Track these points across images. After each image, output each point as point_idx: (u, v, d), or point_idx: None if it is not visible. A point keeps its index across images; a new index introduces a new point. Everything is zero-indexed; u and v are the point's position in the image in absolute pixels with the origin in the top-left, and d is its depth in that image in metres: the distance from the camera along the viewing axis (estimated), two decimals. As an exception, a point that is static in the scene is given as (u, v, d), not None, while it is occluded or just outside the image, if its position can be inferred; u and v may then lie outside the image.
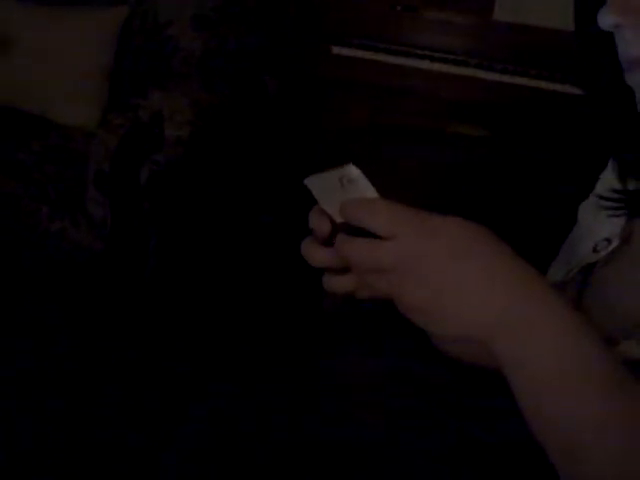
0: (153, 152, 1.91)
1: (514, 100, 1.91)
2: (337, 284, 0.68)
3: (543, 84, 1.90)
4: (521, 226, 1.76)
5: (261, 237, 2.14)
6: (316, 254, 0.67)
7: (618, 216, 0.80)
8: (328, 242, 0.67)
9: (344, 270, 0.67)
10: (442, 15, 2.09)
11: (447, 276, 0.61)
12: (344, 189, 0.67)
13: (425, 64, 2.06)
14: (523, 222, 1.82)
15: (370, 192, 0.66)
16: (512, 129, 1.98)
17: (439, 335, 0.63)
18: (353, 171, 0.67)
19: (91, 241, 1.88)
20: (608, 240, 0.81)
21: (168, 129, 1.92)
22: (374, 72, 2.08)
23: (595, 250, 0.82)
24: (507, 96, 1.96)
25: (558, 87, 1.90)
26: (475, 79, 2.02)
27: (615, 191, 0.82)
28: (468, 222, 0.63)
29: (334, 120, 2.04)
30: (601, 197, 0.84)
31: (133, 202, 1.92)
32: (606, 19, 0.69)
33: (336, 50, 2.10)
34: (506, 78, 1.99)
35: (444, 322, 0.62)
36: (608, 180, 0.86)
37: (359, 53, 2.09)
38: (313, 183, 0.68)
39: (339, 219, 0.66)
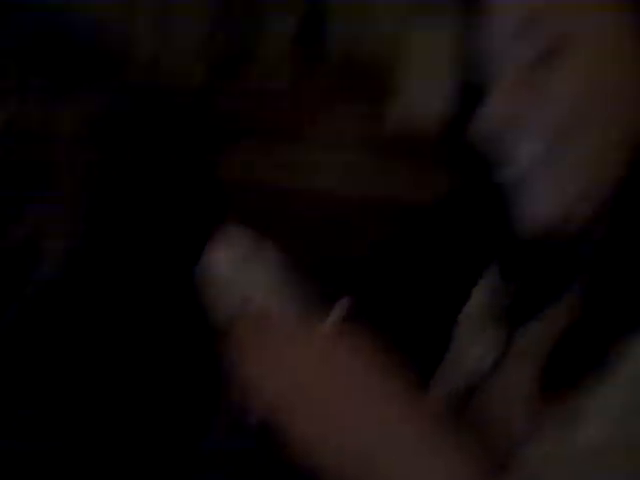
0: (33, 269, 1.82)
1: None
2: None
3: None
4: (408, 346, 1.76)
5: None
6: None
7: (495, 329, 0.81)
8: None
9: None
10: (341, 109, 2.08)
11: (336, 398, 0.65)
12: (247, 270, 0.69)
13: (332, 157, 2.03)
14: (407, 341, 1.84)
15: (277, 274, 0.70)
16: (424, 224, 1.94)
17: None
18: (261, 255, 0.71)
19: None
20: (485, 357, 0.81)
21: (48, 243, 1.84)
22: (278, 170, 2.05)
23: (474, 366, 0.82)
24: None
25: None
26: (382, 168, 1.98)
27: (489, 304, 0.83)
28: (364, 338, 0.66)
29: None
30: (472, 315, 0.86)
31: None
32: (487, 120, 0.70)
33: (235, 147, 2.04)
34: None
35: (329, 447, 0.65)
36: (482, 294, 0.87)
37: (261, 148, 2.06)
38: (209, 271, 0.70)
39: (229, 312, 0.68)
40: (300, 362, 0.65)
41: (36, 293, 1.78)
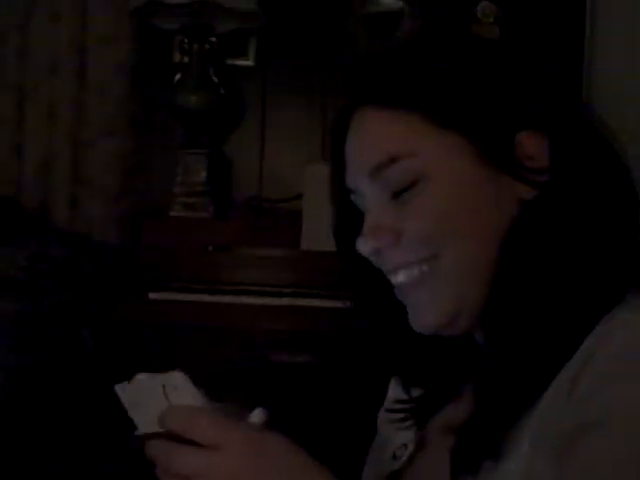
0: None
1: (331, 322, 1.98)
2: None
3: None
4: (333, 440, 1.79)
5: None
6: None
7: (407, 428, 0.87)
8: None
9: None
10: (254, 251, 2.20)
11: None
12: (166, 397, 0.66)
13: (242, 299, 2.12)
14: (334, 436, 1.86)
15: (196, 400, 0.66)
16: (333, 351, 2.02)
17: None
18: (179, 378, 0.66)
19: None
20: (405, 446, 0.86)
21: (-23, 398, 1.83)
22: (193, 313, 2.12)
23: (395, 457, 0.86)
24: (324, 319, 2.02)
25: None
26: (292, 307, 2.09)
27: (400, 401, 0.89)
28: (284, 438, 0.67)
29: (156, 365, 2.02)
30: (387, 410, 0.91)
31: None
32: (365, 248, 0.78)
33: (153, 296, 2.12)
34: (320, 302, 2.06)
35: None
36: (394, 391, 0.92)
37: (177, 296, 2.12)
38: (125, 389, 0.68)
39: (150, 429, 0.66)
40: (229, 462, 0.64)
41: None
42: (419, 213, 0.75)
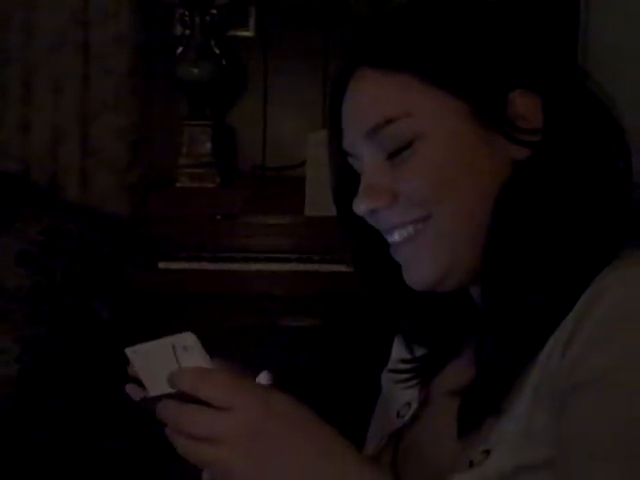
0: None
1: (337, 287, 2.02)
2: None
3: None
4: (339, 401, 1.84)
5: (110, 465, 2.08)
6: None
7: (411, 387, 0.88)
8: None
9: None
10: (260, 219, 2.23)
11: (278, 453, 0.64)
12: (177, 357, 0.65)
13: (250, 266, 2.16)
14: (340, 397, 1.90)
15: (206, 362, 0.66)
16: (341, 315, 2.07)
17: None
18: (189, 339, 0.65)
19: None
20: (409, 404, 0.87)
21: (-4, 368, 1.89)
22: (202, 281, 2.16)
23: (399, 415, 0.88)
24: (329, 283, 2.07)
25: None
26: (298, 272, 2.13)
27: (403, 360, 0.90)
28: (295, 400, 0.67)
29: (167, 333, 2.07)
30: (391, 370, 0.92)
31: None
32: (360, 207, 0.79)
33: (162, 265, 2.16)
34: (325, 267, 2.10)
35: None
36: (397, 351, 0.94)
37: (186, 265, 2.16)
38: (136, 352, 0.67)
39: (160, 391, 0.66)
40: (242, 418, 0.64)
41: None
42: (415, 173, 0.76)
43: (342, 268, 2.05)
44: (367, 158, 0.79)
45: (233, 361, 0.81)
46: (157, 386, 0.67)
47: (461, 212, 0.76)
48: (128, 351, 0.67)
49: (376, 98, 0.77)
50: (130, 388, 0.76)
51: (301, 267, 2.15)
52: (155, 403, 0.66)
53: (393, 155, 0.77)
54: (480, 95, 0.75)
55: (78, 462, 2.07)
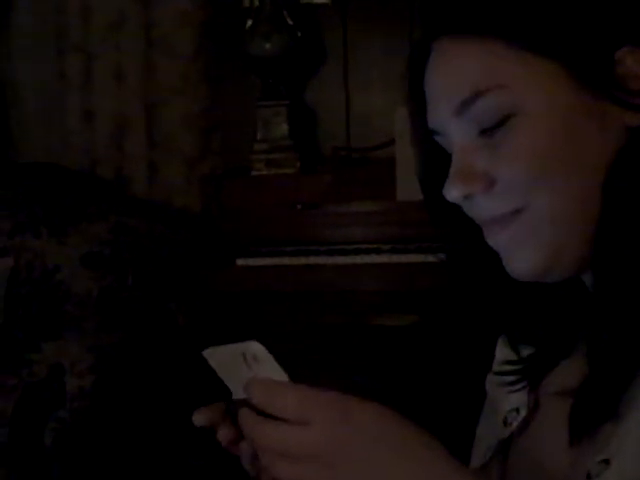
0: (55, 409, 1.90)
1: (436, 280, 1.96)
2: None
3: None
4: (439, 409, 1.79)
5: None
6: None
7: (517, 390, 0.85)
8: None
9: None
10: (346, 207, 2.19)
11: (362, 467, 0.64)
12: (248, 366, 0.67)
13: (337, 259, 2.13)
14: (441, 405, 1.86)
15: (278, 373, 0.67)
16: (441, 311, 2.02)
17: None
18: (258, 348, 0.67)
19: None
20: (517, 410, 0.85)
21: (68, 381, 1.92)
22: (284, 278, 2.14)
23: (505, 423, 0.86)
24: (428, 277, 2.01)
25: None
26: (391, 265, 2.08)
27: (509, 362, 0.88)
28: (383, 407, 0.66)
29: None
30: (497, 373, 0.90)
31: (40, 470, 1.88)
32: (453, 193, 0.76)
33: (241, 262, 2.15)
34: (422, 258, 2.05)
35: None
36: (501, 352, 0.91)
37: (266, 261, 2.15)
38: (213, 355, 0.70)
39: (240, 395, 0.67)
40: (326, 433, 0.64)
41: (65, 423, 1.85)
42: (514, 155, 0.73)
43: (442, 259, 1.99)
44: (457, 137, 0.77)
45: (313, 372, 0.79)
46: (237, 391, 0.69)
47: (567, 194, 0.72)
48: (205, 353, 0.70)
49: (462, 70, 0.75)
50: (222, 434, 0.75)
51: (394, 259, 2.10)
52: (238, 408, 0.67)
53: (486, 132, 0.74)
54: (583, 56, 0.71)
55: (159, 478, 2.10)
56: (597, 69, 0.71)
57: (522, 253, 0.75)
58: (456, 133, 0.76)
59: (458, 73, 0.75)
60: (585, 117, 0.72)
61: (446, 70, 0.76)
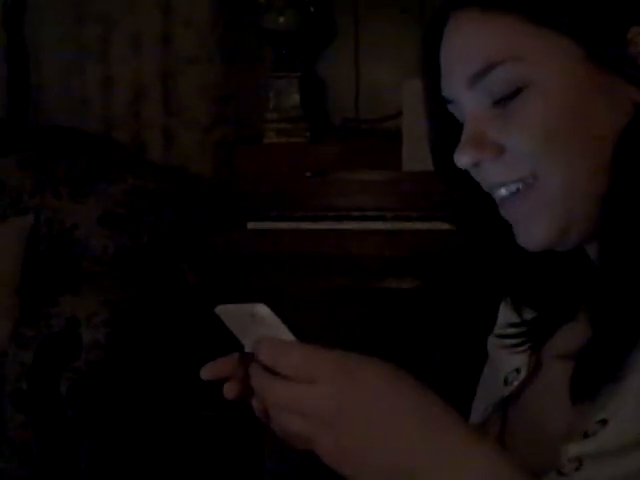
0: (71, 360, 1.92)
1: (439, 246, 1.98)
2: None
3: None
4: (442, 369, 1.82)
5: (203, 433, 2.12)
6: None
7: (521, 352, 0.86)
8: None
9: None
10: (353, 175, 2.20)
11: (368, 424, 0.64)
12: (257, 325, 0.67)
13: (344, 225, 2.14)
14: (444, 365, 1.88)
15: (284, 333, 0.67)
16: (443, 276, 2.04)
17: None
18: (264, 311, 0.67)
19: (16, 469, 1.85)
20: (517, 370, 0.86)
21: (84, 333, 1.94)
22: (294, 241, 2.15)
23: (506, 383, 0.87)
24: (429, 243, 2.03)
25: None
26: (395, 231, 2.10)
27: (512, 325, 0.88)
28: (386, 364, 0.66)
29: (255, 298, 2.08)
30: (499, 335, 0.90)
31: (56, 416, 1.90)
32: (463, 159, 0.77)
33: (251, 225, 2.16)
34: (425, 225, 2.06)
35: (365, 469, 0.65)
36: (504, 315, 0.92)
37: (276, 225, 2.16)
38: (224, 312, 0.70)
39: (252, 349, 0.68)
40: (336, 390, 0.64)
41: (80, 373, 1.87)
42: (526, 125, 0.73)
43: (444, 226, 2.00)
44: (470, 106, 0.77)
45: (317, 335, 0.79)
46: (249, 345, 0.69)
47: (576, 167, 0.73)
48: (218, 310, 0.70)
49: (479, 40, 0.75)
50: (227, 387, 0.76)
51: (399, 225, 2.10)
52: (249, 360, 0.68)
53: (499, 103, 0.74)
54: (597, 34, 0.72)
55: (170, 429, 2.12)
56: (609, 47, 0.72)
57: (534, 226, 0.75)
58: (469, 102, 0.77)
59: (475, 43, 0.75)
60: (596, 93, 0.72)
61: (463, 40, 0.76)
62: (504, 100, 0.74)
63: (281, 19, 2.31)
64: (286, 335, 0.67)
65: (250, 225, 2.17)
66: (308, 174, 2.22)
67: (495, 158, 0.75)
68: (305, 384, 0.64)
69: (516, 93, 0.73)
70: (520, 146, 0.73)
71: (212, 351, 0.78)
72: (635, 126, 0.72)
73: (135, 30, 2.43)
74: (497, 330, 0.92)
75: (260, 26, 2.35)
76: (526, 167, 0.74)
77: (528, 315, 0.87)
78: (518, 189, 0.75)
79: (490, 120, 0.75)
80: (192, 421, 2.14)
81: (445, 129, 0.82)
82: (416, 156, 2.10)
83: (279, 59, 2.38)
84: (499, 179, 0.76)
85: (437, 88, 0.80)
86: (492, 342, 0.93)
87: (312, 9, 2.35)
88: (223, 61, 2.45)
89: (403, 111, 2.16)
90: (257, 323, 0.67)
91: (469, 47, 0.76)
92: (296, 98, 2.33)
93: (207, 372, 0.75)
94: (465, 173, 0.79)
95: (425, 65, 0.82)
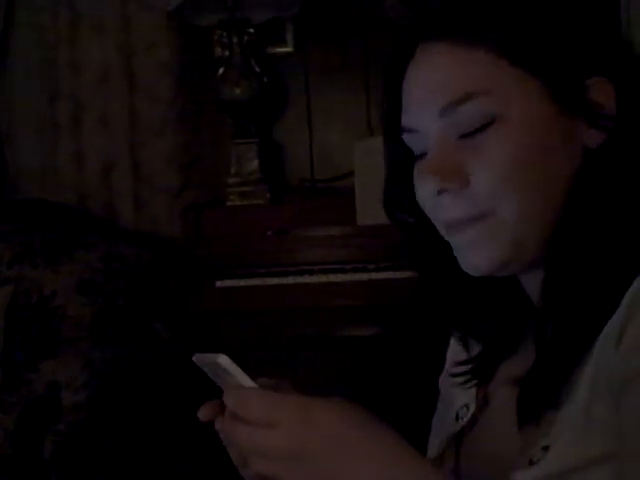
0: (53, 423, 1.88)
1: (394, 294, 1.99)
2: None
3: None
4: (401, 409, 1.79)
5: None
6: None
7: (469, 388, 0.85)
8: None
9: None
10: (312, 231, 2.21)
11: (326, 464, 0.64)
12: (223, 373, 0.68)
13: (306, 279, 2.14)
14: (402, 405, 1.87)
15: (244, 380, 0.68)
16: (400, 322, 2.03)
17: None
18: (225, 360, 0.67)
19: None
20: (467, 406, 0.85)
21: (65, 396, 1.90)
22: (260, 296, 2.16)
23: (457, 418, 0.85)
24: (386, 292, 2.03)
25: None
26: (354, 282, 2.10)
27: (460, 363, 0.87)
28: (345, 406, 0.66)
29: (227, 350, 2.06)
30: (449, 374, 0.89)
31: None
32: (429, 185, 0.74)
33: (220, 284, 2.16)
34: (381, 275, 2.07)
35: None
36: (453, 352, 0.91)
37: (242, 282, 2.16)
38: (200, 361, 0.71)
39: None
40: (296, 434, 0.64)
41: (63, 435, 1.83)
42: (492, 160, 0.71)
43: (398, 275, 2.01)
44: (437, 136, 0.74)
45: (280, 378, 0.79)
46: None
47: (533, 202, 0.71)
48: (195, 358, 0.71)
49: (454, 72, 0.72)
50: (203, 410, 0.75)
51: (356, 277, 2.12)
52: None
53: (467, 136, 0.72)
54: (561, 78, 0.71)
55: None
56: (572, 92, 0.71)
57: (480, 254, 0.73)
58: (436, 133, 0.74)
59: (450, 74, 0.73)
60: (557, 133, 0.71)
61: (437, 71, 0.74)
62: (472, 133, 0.72)
63: (237, 90, 2.33)
64: (246, 382, 0.67)
65: (218, 283, 2.16)
66: (270, 233, 2.23)
67: (460, 189, 0.72)
68: (264, 428, 0.64)
69: (485, 127, 0.71)
70: (484, 182, 0.71)
71: (190, 403, 0.77)
72: (585, 172, 0.71)
73: (104, 108, 2.43)
74: (447, 369, 0.92)
75: (218, 97, 2.36)
76: (487, 203, 0.71)
77: (474, 350, 0.86)
78: (473, 225, 0.73)
79: (457, 150, 0.73)
80: (172, 475, 2.09)
81: (400, 160, 0.80)
82: (369, 211, 2.11)
83: (238, 127, 2.39)
84: (458, 214, 0.73)
85: (397, 119, 0.78)
86: (443, 381, 0.93)
87: (265, 79, 2.37)
88: (186, 131, 2.45)
89: (355, 170, 2.18)
90: (222, 371, 0.68)
91: (444, 78, 0.73)
92: (255, 163, 2.34)
93: (204, 413, 0.74)
94: (412, 205, 0.77)
95: (385, 94, 0.80)
